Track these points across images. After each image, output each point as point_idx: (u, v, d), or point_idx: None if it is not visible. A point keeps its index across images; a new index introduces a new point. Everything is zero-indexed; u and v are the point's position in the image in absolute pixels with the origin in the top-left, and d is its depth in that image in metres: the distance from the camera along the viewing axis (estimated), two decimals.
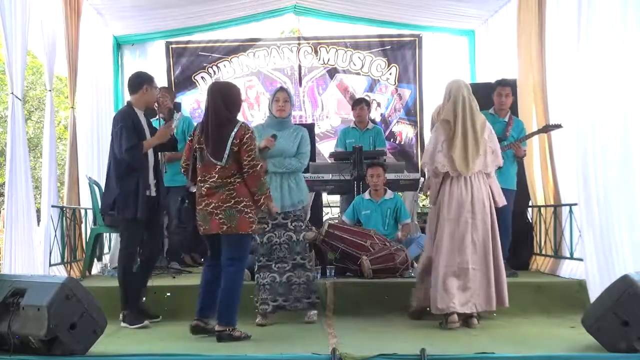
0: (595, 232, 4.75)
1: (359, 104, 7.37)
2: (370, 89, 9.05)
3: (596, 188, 4.74)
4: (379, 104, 9.03)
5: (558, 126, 5.94)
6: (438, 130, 4.73)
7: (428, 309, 4.74)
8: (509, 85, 6.07)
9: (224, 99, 4.30)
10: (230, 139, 4.20)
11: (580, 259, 5.49)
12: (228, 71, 9.05)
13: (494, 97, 5.99)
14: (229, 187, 4.22)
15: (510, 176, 5.87)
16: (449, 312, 4.51)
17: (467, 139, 4.59)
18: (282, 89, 5.07)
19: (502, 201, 4.76)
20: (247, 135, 4.23)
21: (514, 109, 6.43)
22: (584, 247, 4.94)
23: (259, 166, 4.25)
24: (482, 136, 4.63)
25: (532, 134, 6.08)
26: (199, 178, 4.35)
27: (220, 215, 4.21)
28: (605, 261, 4.64)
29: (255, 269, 4.96)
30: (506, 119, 5.98)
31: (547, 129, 6.01)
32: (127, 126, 4.75)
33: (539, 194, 6.46)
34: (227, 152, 4.20)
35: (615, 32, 4.67)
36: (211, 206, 4.23)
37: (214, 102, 4.30)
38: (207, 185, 4.27)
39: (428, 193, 5.00)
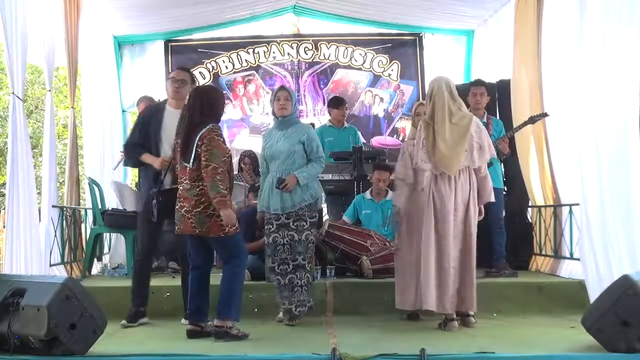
0: (592, 233, 4.74)
1: (344, 104, 7.38)
2: (373, 84, 9.06)
3: (593, 188, 4.73)
4: (381, 99, 9.03)
5: (544, 115, 5.97)
6: (421, 128, 4.71)
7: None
8: (483, 85, 6.07)
9: (202, 103, 4.35)
10: (196, 141, 4.24)
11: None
12: (227, 66, 9.03)
13: (469, 98, 5.95)
14: (197, 192, 4.25)
15: (496, 175, 5.87)
16: (427, 310, 4.50)
17: (446, 138, 4.54)
18: (282, 87, 5.01)
19: (490, 198, 4.72)
20: (209, 136, 4.24)
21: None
22: (582, 247, 4.93)
23: (211, 166, 4.20)
24: (466, 132, 4.57)
25: (520, 127, 6.06)
26: (177, 180, 4.45)
27: (191, 220, 4.26)
28: (602, 261, 4.63)
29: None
30: (484, 120, 5.96)
31: (533, 119, 5.98)
32: (137, 121, 4.87)
33: (537, 193, 6.46)
34: (193, 153, 4.24)
35: (613, 30, 4.65)
36: (184, 209, 4.30)
37: (191, 106, 4.39)
38: (181, 187, 4.36)
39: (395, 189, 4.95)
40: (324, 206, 7.72)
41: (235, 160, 6.74)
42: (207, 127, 4.27)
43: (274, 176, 4.80)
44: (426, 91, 4.78)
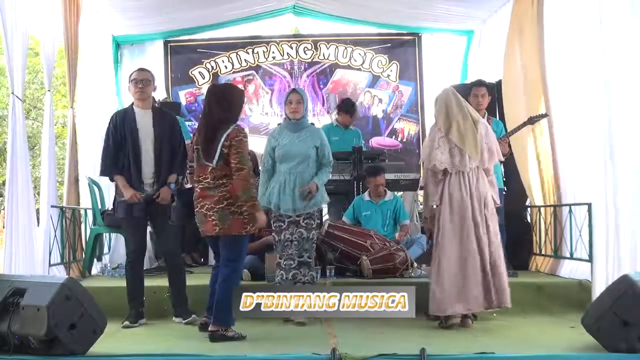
0: (602, 233, 4.70)
1: (355, 113, 7.38)
2: (372, 84, 9.06)
3: (607, 188, 4.67)
4: (380, 100, 9.03)
5: (544, 115, 5.96)
6: (434, 129, 4.72)
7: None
8: (484, 86, 6.05)
9: (220, 101, 4.32)
10: (222, 141, 4.21)
11: (581, 259, 5.50)
12: (227, 66, 9.03)
13: (470, 99, 5.91)
14: (222, 189, 4.23)
15: (496, 175, 5.86)
16: (453, 314, 4.50)
17: (467, 129, 4.57)
18: (294, 90, 5.07)
19: (497, 202, 4.75)
20: (238, 138, 4.22)
21: (495, 109, 6.47)
22: (594, 248, 4.88)
23: (245, 170, 4.21)
24: (478, 130, 4.60)
25: (519, 127, 6.03)
26: (195, 178, 4.39)
27: (213, 217, 4.23)
28: (615, 263, 4.59)
29: None
30: (484, 120, 5.94)
31: (532, 120, 5.97)
32: (109, 131, 4.83)
33: (536, 193, 6.44)
34: (217, 153, 4.21)
35: (630, 29, 4.58)
36: (205, 207, 4.27)
37: (209, 104, 4.35)
38: (201, 186, 4.31)
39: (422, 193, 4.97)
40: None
41: None
42: (233, 127, 4.25)
43: (287, 177, 4.83)
44: (434, 106, 4.76)
